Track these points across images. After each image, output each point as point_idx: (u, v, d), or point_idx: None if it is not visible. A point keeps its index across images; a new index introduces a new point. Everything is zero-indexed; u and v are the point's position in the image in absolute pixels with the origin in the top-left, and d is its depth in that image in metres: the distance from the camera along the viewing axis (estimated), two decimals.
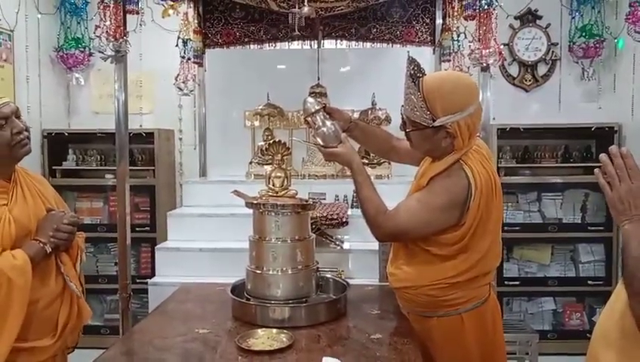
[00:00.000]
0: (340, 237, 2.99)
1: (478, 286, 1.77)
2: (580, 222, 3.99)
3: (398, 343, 1.69)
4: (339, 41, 3.82)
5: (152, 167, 4.03)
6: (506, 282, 3.92)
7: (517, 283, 3.97)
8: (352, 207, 3.24)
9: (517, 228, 3.94)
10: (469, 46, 2.71)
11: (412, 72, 1.68)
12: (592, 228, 3.93)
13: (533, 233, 3.97)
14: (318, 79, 3.72)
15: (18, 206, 1.64)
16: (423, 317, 1.81)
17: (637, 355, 1.19)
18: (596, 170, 1.24)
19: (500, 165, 3.87)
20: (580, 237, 3.98)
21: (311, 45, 3.81)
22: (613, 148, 1.20)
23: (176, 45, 3.63)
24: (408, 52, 1.98)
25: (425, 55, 3.78)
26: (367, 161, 3.55)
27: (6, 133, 1.62)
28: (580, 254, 4.00)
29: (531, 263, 4.05)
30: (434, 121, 1.67)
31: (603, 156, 1.21)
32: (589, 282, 3.94)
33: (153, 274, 3.11)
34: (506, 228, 3.77)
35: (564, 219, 4.00)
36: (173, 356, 1.61)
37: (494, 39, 2.53)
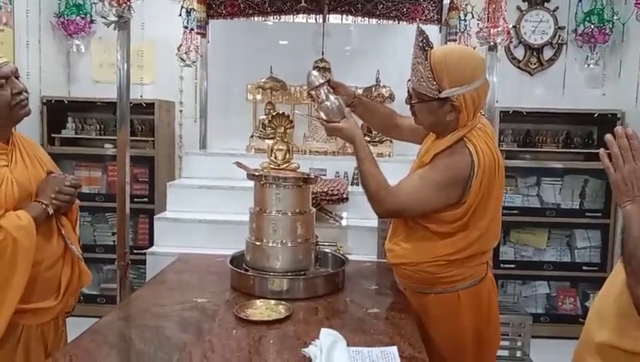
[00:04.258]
0: (339, 213, 2.99)
1: (475, 265, 1.78)
2: (577, 207, 4.00)
3: (395, 318, 1.70)
4: (344, 16, 3.76)
5: (152, 138, 4.01)
6: (501, 265, 3.94)
7: (512, 266, 4.00)
8: (352, 184, 3.24)
9: (515, 211, 3.95)
10: (477, 24, 2.67)
11: (421, 44, 1.66)
12: (590, 214, 3.95)
13: (530, 217, 3.98)
14: (322, 54, 3.68)
15: (18, 168, 1.63)
16: (420, 293, 1.82)
17: (631, 334, 1.20)
18: (601, 151, 1.23)
19: (501, 148, 3.83)
20: (577, 222, 3.99)
21: (316, 19, 3.76)
22: (618, 129, 1.19)
23: (180, 15, 3.58)
24: (418, 24, 1.95)
25: (431, 33, 3.66)
26: (369, 139, 3.54)
27: (6, 92, 1.59)
28: (577, 240, 4.02)
29: (528, 247, 4.07)
30: (440, 92, 1.65)
31: (608, 136, 1.20)
32: (584, 268, 3.97)
33: (150, 246, 3.11)
34: (504, 211, 3.73)
35: (562, 204, 4.01)
36: (172, 323, 1.62)
37: (503, 18, 2.50)
